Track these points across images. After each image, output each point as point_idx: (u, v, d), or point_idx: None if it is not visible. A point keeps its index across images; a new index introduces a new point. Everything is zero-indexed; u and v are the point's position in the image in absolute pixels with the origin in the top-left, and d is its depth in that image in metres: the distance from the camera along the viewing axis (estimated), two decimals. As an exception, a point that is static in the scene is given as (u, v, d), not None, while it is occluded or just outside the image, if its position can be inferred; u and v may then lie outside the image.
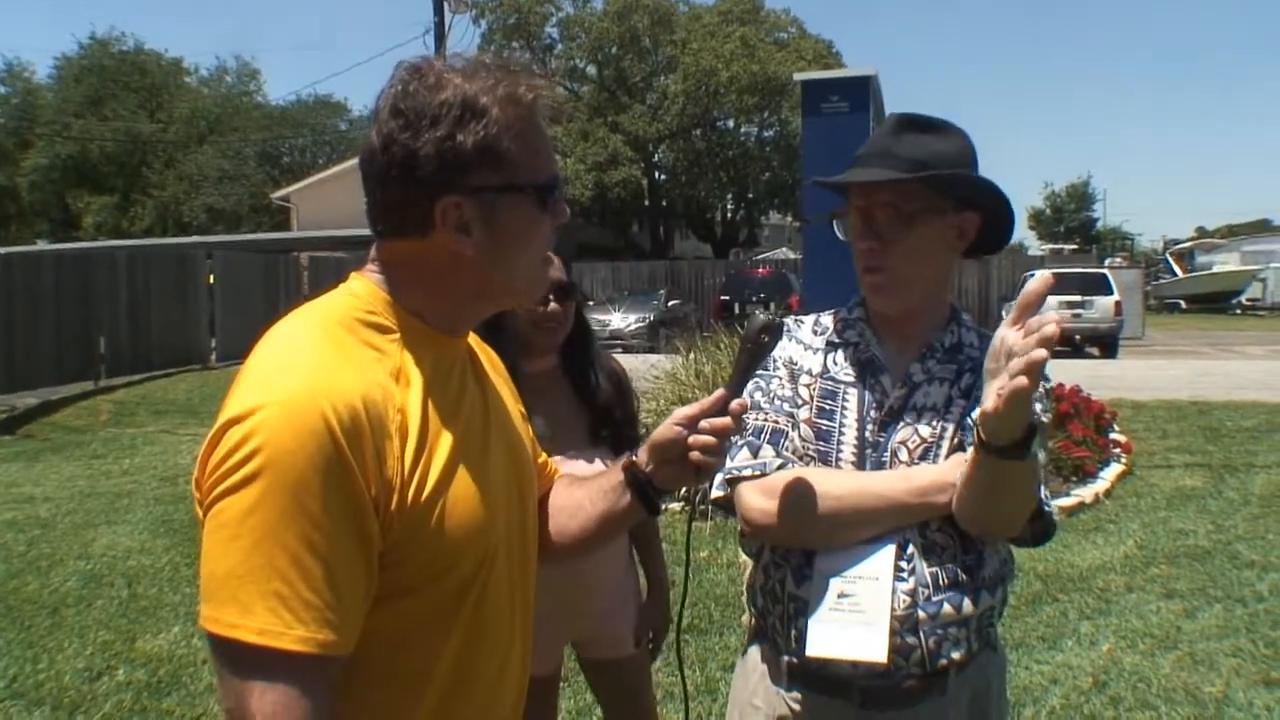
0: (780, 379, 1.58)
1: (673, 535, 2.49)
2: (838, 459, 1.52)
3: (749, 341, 1.31)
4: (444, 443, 1.07)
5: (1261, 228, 53.55)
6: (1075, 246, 44.93)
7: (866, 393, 1.54)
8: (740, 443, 1.54)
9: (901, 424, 1.52)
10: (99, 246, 25.67)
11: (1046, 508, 1.47)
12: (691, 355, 7.38)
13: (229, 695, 0.94)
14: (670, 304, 22.28)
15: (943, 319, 1.58)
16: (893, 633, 1.43)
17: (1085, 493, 6.43)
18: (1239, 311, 33.99)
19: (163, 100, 44.27)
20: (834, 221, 1.60)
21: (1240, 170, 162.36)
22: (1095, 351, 18.30)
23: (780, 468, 1.51)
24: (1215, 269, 36.87)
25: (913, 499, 1.45)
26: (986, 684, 1.56)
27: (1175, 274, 39.68)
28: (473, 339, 1.25)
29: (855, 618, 1.44)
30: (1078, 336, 18.17)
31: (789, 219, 40.30)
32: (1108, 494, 6.53)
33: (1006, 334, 1.23)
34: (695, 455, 1.23)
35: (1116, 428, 8.21)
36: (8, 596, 4.98)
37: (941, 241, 1.52)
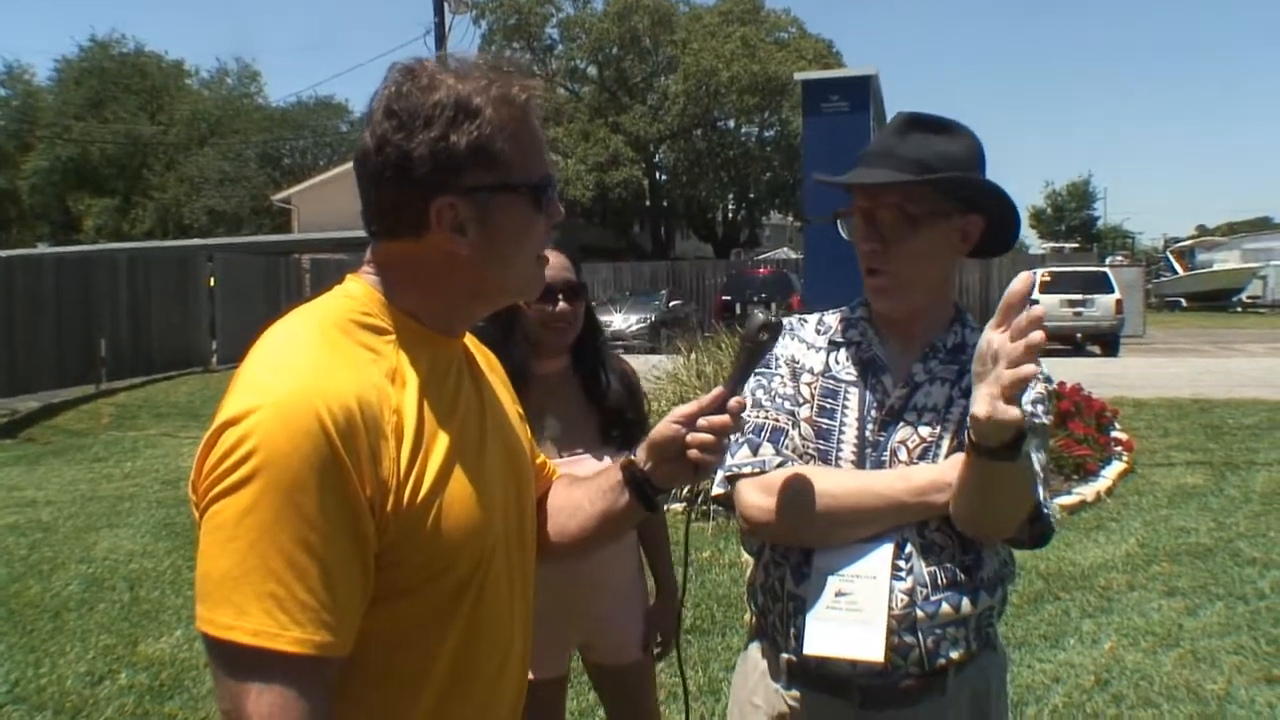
0: (782, 377, 1.58)
1: (674, 536, 2.49)
2: (838, 458, 1.52)
3: (748, 340, 1.31)
4: (440, 443, 1.06)
5: (1262, 225, 53.48)
6: (1076, 245, 44.80)
7: (867, 392, 1.54)
8: (741, 440, 1.54)
9: (902, 424, 1.51)
10: (100, 249, 25.61)
11: (1046, 510, 1.46)
12: (693, 355, 7.37)
13: (225, 697, 0.94)
14: (671, 304, 22.28)
15: (946, 319, 1.58)
16: (890, 632, 1.43)
17: (1087, 491, 6.43)
18: (1240, 309, 33.98)
19: (163, 102, 44.30)
20: (838, 221, 1.59)
21: (1241, 168, 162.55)
22: (1096, 350, 18.30)
23: (780, 466, 1.51)
24: (1216, 267, 36.82)
25: (911, 498, 1.44)
26: (986, 684, 1.55)
27: (1176, 272, 39.64)
28: (471, 340, 1.25)
29: (852, 616, 1.43)
30: (1079, 335, 18.18)
31: (790, 219, 40.27)
32: (1109, 492, 6.53)
33: (992, 336, 1.22)
34: (693, 453, 1.23)
35: (1118, 426, 8.22)
36: (9, 600, 4.98)
37: (946, 244, 1.51)
